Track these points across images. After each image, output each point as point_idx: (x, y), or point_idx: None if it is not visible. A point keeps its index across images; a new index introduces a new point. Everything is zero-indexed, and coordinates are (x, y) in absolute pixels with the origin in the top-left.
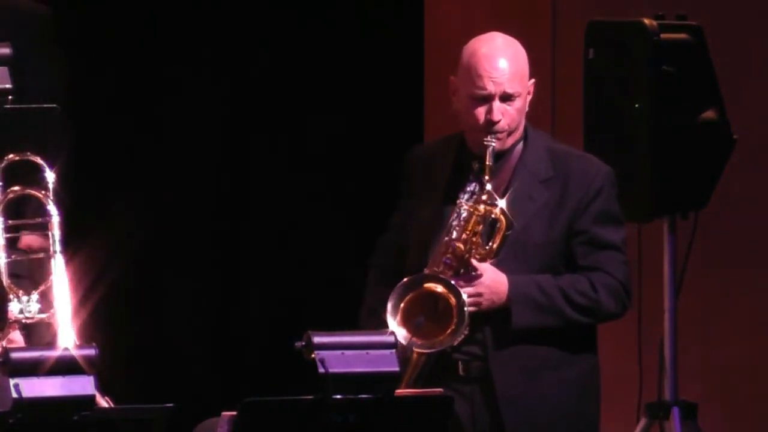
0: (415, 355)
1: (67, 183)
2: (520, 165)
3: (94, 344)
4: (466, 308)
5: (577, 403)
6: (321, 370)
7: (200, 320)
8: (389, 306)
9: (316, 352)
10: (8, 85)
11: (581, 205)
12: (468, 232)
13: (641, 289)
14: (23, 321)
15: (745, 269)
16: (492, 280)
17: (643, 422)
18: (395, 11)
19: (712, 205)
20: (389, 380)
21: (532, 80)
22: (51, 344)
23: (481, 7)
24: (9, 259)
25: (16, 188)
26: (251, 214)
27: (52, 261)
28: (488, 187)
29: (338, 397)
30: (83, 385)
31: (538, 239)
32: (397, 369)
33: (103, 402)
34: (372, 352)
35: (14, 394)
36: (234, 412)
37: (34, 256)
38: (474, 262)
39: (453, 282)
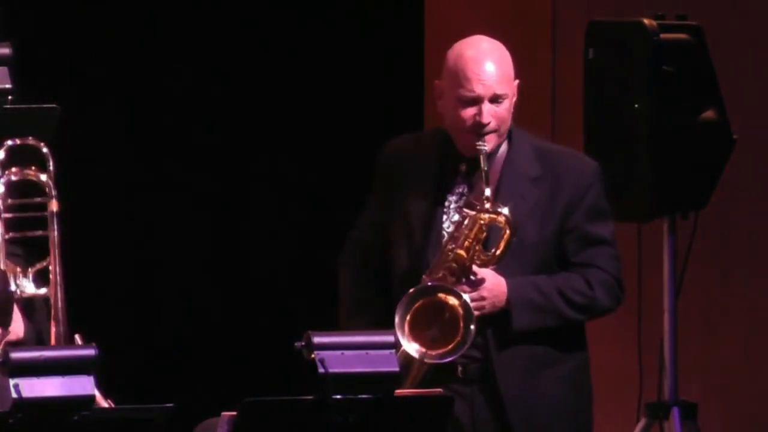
0: (416, 362)
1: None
2: (507, 165)
3: (93, 344)
4: (474, 314)
5: (572, 398)
6: (321, 370)
7: (200, 320)
8: (397, 319)
9: (315, 352)
10: (8, 85)
11: (572, 203)
12: (470, 240)
13: (641, 289)
14: (19, 297)
15: (745, 269)
16: (493, 285)
17: (642, 422)
18: (395, 11)
19: (712, 205)
20: (389, 380)
21: (517, 81)
22: (47, 321)
23: (481, 7)
24: (7, 237)
25: (16, 169)
26: (252, 213)
27: (50, 239)
28: (487, 192)
29: (338, 397)
30: (83, 385)
31: (532, 238)
32: (396, 369)
33: (103, 402)
34: (372, 352)
35: (14, 394)
36: (234, 412)
37: (32, 234)
38: (474, 267)
39: (457, 289)
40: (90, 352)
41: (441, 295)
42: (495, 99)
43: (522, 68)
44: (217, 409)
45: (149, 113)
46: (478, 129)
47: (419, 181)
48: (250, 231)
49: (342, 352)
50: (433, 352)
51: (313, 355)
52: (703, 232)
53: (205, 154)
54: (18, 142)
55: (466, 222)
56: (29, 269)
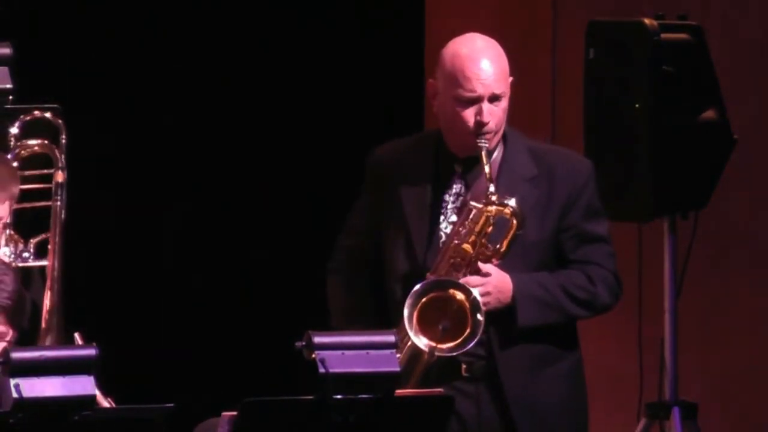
0: (426, 356)
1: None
2: (503, 165)
3: (94, 344)
4: (482, 307)
5: (572, 396)
6: (321, 370)
7: (200, 320)
8: (405, 314)
9: (316, 352)
10: (8, 85)
11: (569, 201)
12: (476, 234)
13: (641, 289)
14: (17, 265)
15: (745, 269)
16: (498, 280)
17: (643, 422)
18: (396, 11)
19: (712, 205)
20: (389, 380)
21: (511, 78)
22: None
23: (482, 7)
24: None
25: (29, 142)
26: (251, 213)
27: (54, 208)
28: (492, 188)
29: (338, 397)
30: (84, 385)
31: (533, 237)
32: (397, 369)
33: (104, 402)
34: (372, 352)
35: (15, 394)
36: (234, 412)
37: (38, 204)
38: (479, 263)
39: (465, 283)
40: (90, 352)
41: (448, 290)
42: (494, 98)
43: (522, 68)
44: (218, 409)
45: (148, 113)
46: (479, 129)
47: (414, 183)
48: (251, 230)
49: (342, 352)
50: (443, 346)
51: (313, 355)
52: (703, 232)
53: (206, 155)
54: (35, 115)
55: (471, 216)
56: (30, 240)
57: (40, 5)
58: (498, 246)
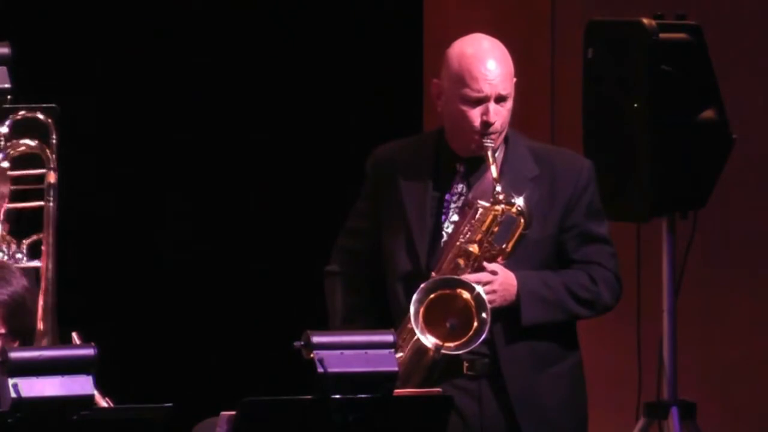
0: (432, 354)
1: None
2: (506, 165)
3: (92, 343)
4: (487, 305)
5: (573, 395)
6: (320, 369)
7: (199, 319)
8: (412, 311)
9: (315, 351)
10: (7, 85)
11: (572, 201)
12: (482, 233)
13: (640, 289)
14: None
15: (744, 269)
16: (503, 278)
17: (642, 422)
18: (394, 12)
19: (711, 205)
20: (388, 380)
21: (515, 79)
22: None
23: (481, 7)
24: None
25: (20, 142)
26: (250, 213)
27: (47, 209)
28: (498, 188)
29: (337, 396)
30: (82, 385)
31: (535, 236)
32: (396, 369)
33: (102, 402)
34: (371, 351)
35: (13, 394)
36: (233, 412)
37: (29, 204)
38: (485, 263)
39: (470, 281)
40: (89, 351)
41: (454, 288)
42: (500, 99)
43: (521, 68)
44: (216, 408)
45: (146, 113)
46: (485, 129)
47: (415, 183)
48: (249, 230)
49: (341, 352)
50: (450, 344)
51: (312, 355)
52: (702, 232)
53: (205, 156)
54: (25, 114)
55: (478, 215)
56: (23, 241)
57: (40, 5)
58: (504, 245)
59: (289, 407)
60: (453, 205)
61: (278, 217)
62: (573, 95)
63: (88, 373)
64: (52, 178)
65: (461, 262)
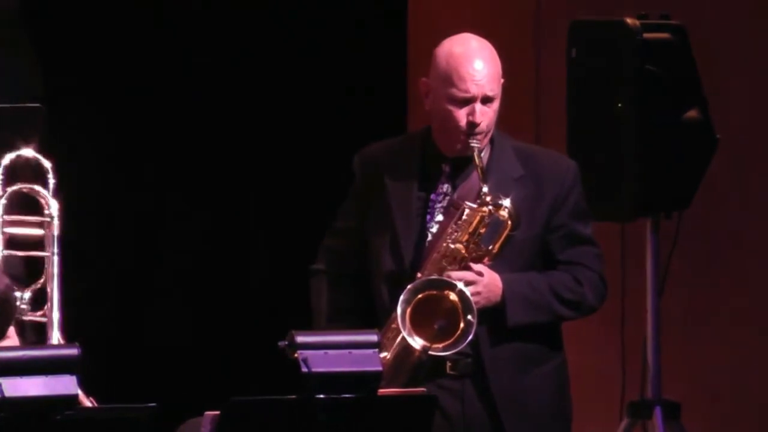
0: (418, 354)
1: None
2: (491, 165)
3: (76, 343)
4: (473, 306)
5: (556, 394)
6: (304, 369)
7: (183, 320)
8: (399, 312)
9: (299, 351)
10: None
11: (557, 201)
12: (469, 234)
13: (624, 289)
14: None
15: (728, 269)
16: (488, 279)
17: (625, 422)
18: (379, 11)
19: (696, 205)
20: (372, 379)
21: (502, 80)
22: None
23: (465, 6)
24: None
25: (18, 186)
26: (235, 214)
27: (49, 261)
28: (485, 188)
29: (321, 396)
30: (66, 385)
31: (521, 236)
32: (380, 368)
33: (86, 401)
34: (355, 351)
35: None
36: (217, 412)
37: (33, 253)
38: (471, 263)
39: (454, 282)
40: (73, 351)
41: (441, 289)
42: (486, 100)
43: (506, 67)
44: (200, 408)
45: (145, 114)
46: (471, 129)
47: (401, 183)
48: (236, 231)
49: (325, 352)
50: (438, 345)
51: (296, 355)
52: (686, 232)
53: (200, 157)
54: (20, 154)
55: (465, 216)
56: (26, 289)
57: (40, 5)
58: (490, 246)
59: (272, 407)
60: (438, 205)
61: (262, 218)
62: (557, 95)
63: (72, 373)
64: (55, 230)
65: (447, 262)
